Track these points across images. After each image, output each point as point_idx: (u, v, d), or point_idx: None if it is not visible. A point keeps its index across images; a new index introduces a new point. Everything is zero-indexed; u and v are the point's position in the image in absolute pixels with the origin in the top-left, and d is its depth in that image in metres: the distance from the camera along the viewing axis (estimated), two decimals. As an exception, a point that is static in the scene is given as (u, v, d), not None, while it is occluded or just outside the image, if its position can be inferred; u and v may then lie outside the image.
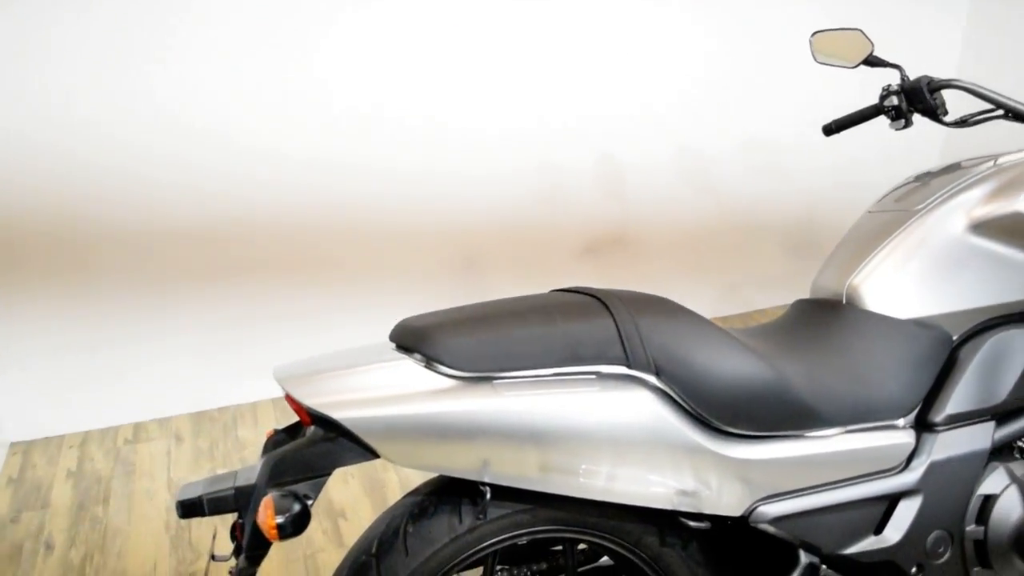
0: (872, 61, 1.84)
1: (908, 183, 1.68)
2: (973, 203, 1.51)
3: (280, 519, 1.09)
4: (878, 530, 1.42)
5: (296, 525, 1.11)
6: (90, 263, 2.79)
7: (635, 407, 1.22)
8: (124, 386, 2.99)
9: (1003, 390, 1.48)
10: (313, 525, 2.40)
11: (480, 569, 1.36)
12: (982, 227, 1.49)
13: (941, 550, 1.45)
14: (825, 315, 1.52)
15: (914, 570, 1.44)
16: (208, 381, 3.08)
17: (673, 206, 3.50)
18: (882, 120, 1.87)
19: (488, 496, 1.19)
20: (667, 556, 1.38)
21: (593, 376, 1.22)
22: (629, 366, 1.22)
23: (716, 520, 1.33)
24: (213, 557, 1.27)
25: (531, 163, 3.22)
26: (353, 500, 2.54)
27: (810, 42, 1.89)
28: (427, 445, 1.13)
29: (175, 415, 3.08)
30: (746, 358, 1.29)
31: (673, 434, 1.24)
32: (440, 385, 1.16)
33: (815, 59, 1.90)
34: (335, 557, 2.27)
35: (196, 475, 2.67)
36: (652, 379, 1.23)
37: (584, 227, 3.40)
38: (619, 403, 1.21)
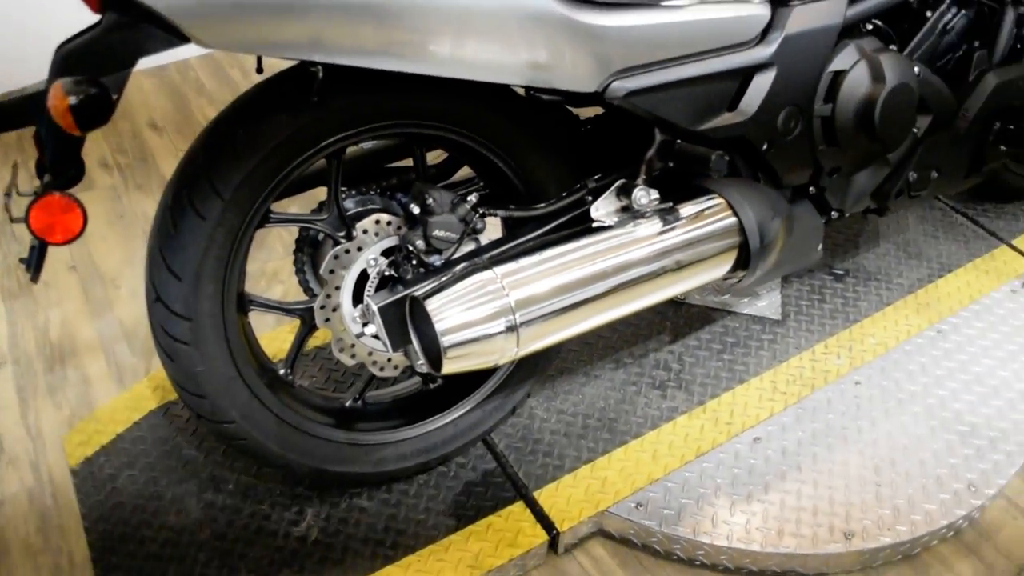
0: None
1: None
2: None
3: (73, 99, 0.94)
4: (732, 106, 1.41)
5: (94, 108, 0.96)
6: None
7: None
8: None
9: None
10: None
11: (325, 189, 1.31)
12: None
13: (791, 126, 1.47)
14: None
15: (765, 147, 1.47)
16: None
17: None
18: None
19: (320, 76, 1.09)
20: (521, 145, 1.35)
21: None
22: None
23: (571, 98, 1.29)
24: (13, 192, 1.14)
25: None
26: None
27: None
28: (244, 19, 0.98)
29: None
30: None
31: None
32: None
33: None
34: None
35: None
36: None
37: None
38: None
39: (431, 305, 1.20)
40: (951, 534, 1.57)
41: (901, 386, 1.78)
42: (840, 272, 2.04)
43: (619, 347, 1.83)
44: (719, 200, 1.38)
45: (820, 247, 1.63)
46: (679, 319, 1.91)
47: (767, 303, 1.96)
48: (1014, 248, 2.17)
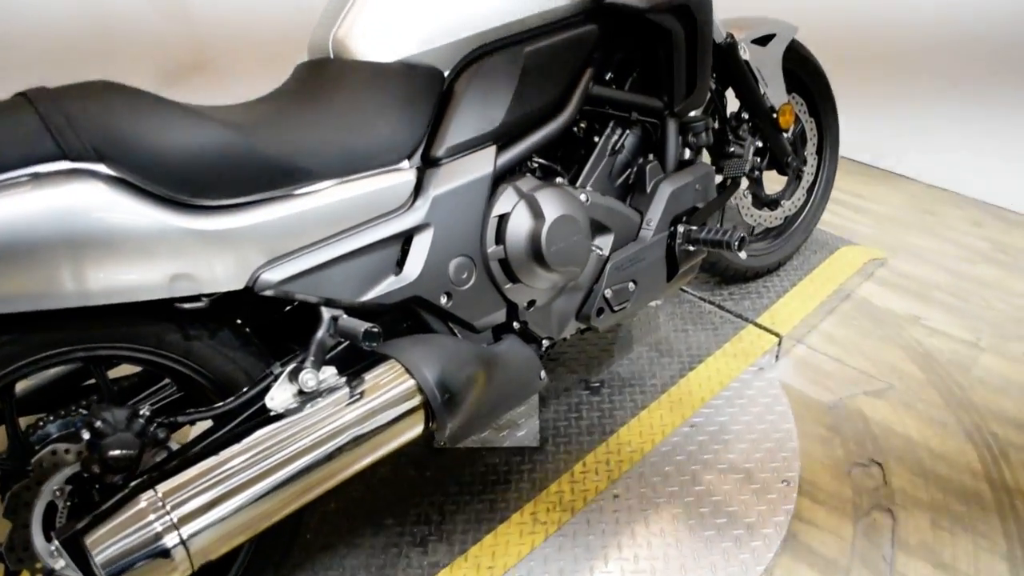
0: None
1: None
2: None
3: None
4: (398, 270, 1.45)
5: None
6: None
7: (87, 201, 1.13)
8: None
9: (498, 114, 1.53)
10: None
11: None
12: None
13: (465, 275, 1.52)
14: (315, 74, 1.48)
15: (444, 300, 1.51)
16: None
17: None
18: None
19: None
20: (198, 349, 1.35)
21: (25, 178, 1.10)
22: (70, 159, 1.12)
23: (226, 298, 1.30)
24: None
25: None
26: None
27: None
28: None
29: None
30: (201, 126, 1.23)
31: (137, 220, 1.16)
32: None
33: None
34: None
35: None
36: (100, 167, 1.14)
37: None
38: (66, 201, 1.11)
39: (90, 539, 1.15)
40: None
41: (659, 490, 1.82)
42: (596, 384, 2.10)
43: (380, 509, 1.80)
44: (395, 365, 1.40)
45: (543, 375, 1.67)
46: (440, 465, 1.91)
47: (526, 432, 1.98)
48: (758, 326, 2.29)
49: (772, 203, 2.42)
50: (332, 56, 1.48)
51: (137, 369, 1.47)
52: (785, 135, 2.26)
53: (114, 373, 1.40)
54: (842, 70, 3.35)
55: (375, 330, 1.29)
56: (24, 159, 1.10)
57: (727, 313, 2.34)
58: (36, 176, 1.11)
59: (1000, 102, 3.07)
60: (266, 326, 1.50)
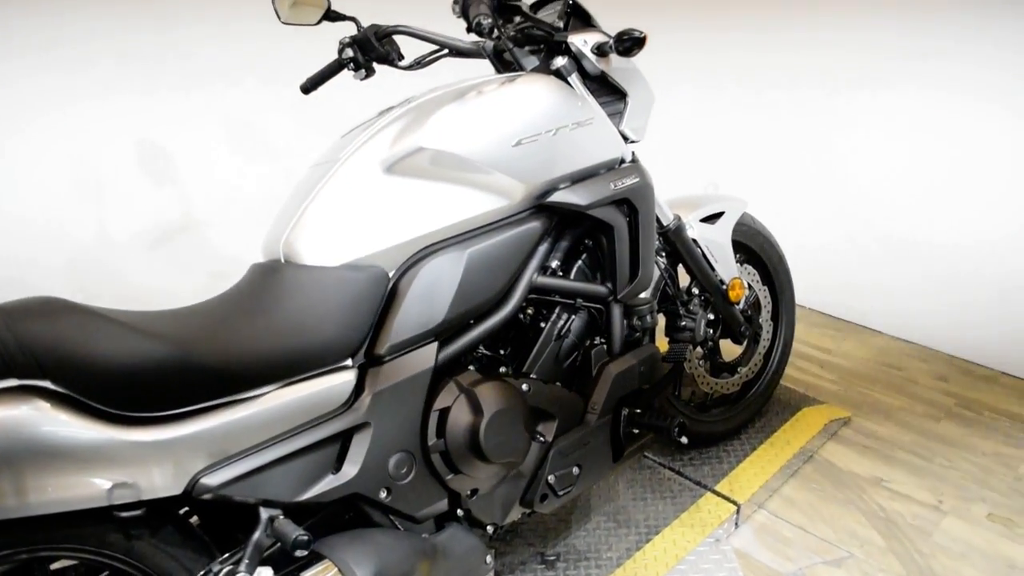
0: (331, 16, 1.89)
1: (348, 132, 1.76)
2: (386, 144, 1.60)
3: None
4: (336, 468, 1.49)
5: None
6: None
7: (30, 416, 1.18)
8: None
9: (440, 312, 1.60)
10: None
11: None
12: (394, 166, 1.58)
13: (404, 471, 1.56)
14: (265, 277, 1.55)
15: (384, 495, 1.54)
16: None
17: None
18: None
19: None
20: (139, 547, 1.38)
21: None
22: (16, 376, 1.19)
23: (165, 502, 1.34)
24: None
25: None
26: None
27: (273, 4, 1.90)
28: None
29: None
30: (143, 342, 1.30)
31: (78, 433, 1.22)
32: None
33: (280, 20, 1.91)
34: None
35: None
36: (46, 384, 1.20)
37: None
38: (10, 417, 1.17)
39: None
40: None
41: (607, 676, 1.81)
42: (552, 558, 2.10)
43: None
44: (329, 566, 1.42)
45: (489, 560, 1.69)
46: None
47: (479, 610, 1.97)
48: (717, 494, 2.31)
49: (729, 369, 2.48)
50: (283, 259, 1.56)
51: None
52: (737, 306, 2.34)
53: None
54: (807, 220, 3.48)
55: (305, 538, 1.33)
56: None
57: (686, 480, 2.36)
58: None
59: (965, 255, 3.16)
60: (211, 515, 1.53)
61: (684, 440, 1.90)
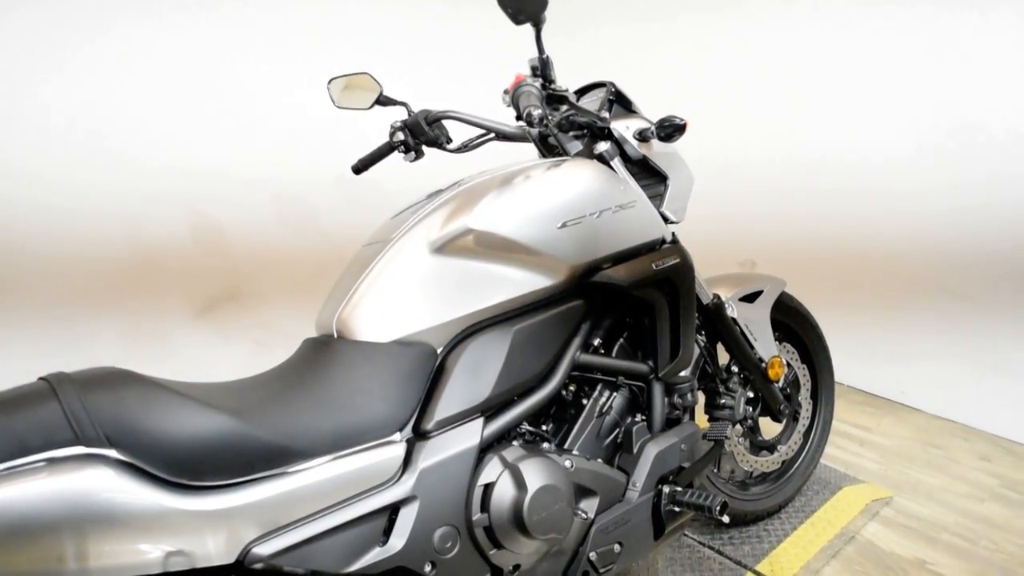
0: (383, 101, 1.99)
1: (398, 213, 1.83)
2: (436, 225, 1.67)
3: None
4: (384, 541, 1.52)
5: None
6: None
7: (95, 484, 1.23)
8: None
9: (486, 388, 1.64)
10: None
11: None
12: (444, 247, 1.65)
13: (449, 544, 1.57)
14: (319, 351, 1.61)
15: (428, 568, 1.56)
16: None
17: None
18: None
19: None
20: None
21: (43, 463, 1.22)
22: (84, 444, 1.24)
23: (217, 571, 1.38)
24: None
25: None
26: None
27: (328, 88, 2.01)
28: None
29: None
30: (203, 414, 1.35)
31: (139, 502, 1.26)
32: None
33: (334, 104, 2.02)
34: None
35: None
36: (111, 453, 1.25)
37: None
38: (77, 484, 1.22)
39: None
40: None
41: None
42: (592, 636, 2.09)
43: None
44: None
45: None
46: None
47: None
48: (758, 574, 2.29)
49: (769, 447, 2.48)
50: (335, 335, 1.62)
51: None
52: (776, 384, 2.35)
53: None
54: (846, 298, 3.49)
55: None
56: (44, 445, 1.22)
57: (726, 559, 2.35)
58: (52, 460, 1.22)
59: (1006, 332, 3.15)
60: None
61: (726, 519, 1.90)
